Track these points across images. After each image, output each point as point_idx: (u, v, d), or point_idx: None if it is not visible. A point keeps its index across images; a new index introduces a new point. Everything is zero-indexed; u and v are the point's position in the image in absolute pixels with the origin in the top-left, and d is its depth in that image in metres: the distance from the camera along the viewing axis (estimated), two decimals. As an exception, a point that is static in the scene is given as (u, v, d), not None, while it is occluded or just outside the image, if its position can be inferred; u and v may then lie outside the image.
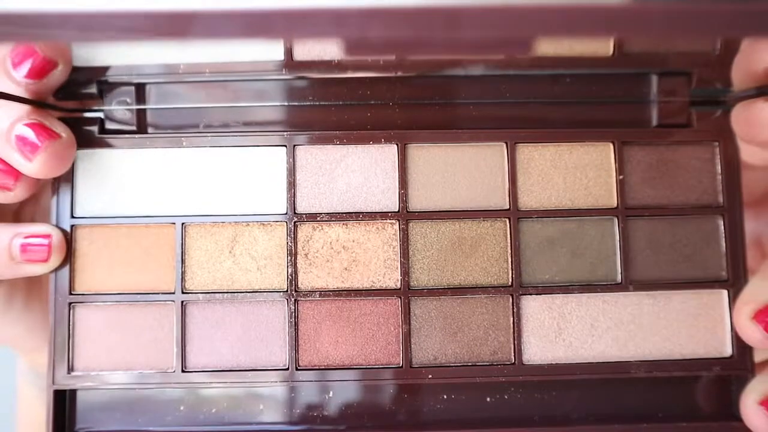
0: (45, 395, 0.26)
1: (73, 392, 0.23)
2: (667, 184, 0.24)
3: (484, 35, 0.11)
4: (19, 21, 0.11)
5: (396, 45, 0.12)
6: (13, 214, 0.25)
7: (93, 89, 0.23)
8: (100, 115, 0.24)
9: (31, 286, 0.24)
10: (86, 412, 0.24)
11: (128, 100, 0.23)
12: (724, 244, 0.24)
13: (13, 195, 0.22)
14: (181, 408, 0.24)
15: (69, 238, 0.23)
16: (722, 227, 0.24)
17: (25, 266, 0.22)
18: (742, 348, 0.23)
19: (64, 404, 0.23)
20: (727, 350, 0.24)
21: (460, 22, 0.11)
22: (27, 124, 0.21)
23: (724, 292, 0.24)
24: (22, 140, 0.21)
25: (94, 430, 0.23)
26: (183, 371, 0.23)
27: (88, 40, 0.13)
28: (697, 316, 0.24)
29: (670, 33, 0.12)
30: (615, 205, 0.24)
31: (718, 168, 0.24)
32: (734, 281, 0.23)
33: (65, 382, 0.23)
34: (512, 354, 0.23)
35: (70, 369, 0.23)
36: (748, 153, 0.23)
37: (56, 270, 0.23)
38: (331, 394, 0.24)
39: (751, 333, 0.21)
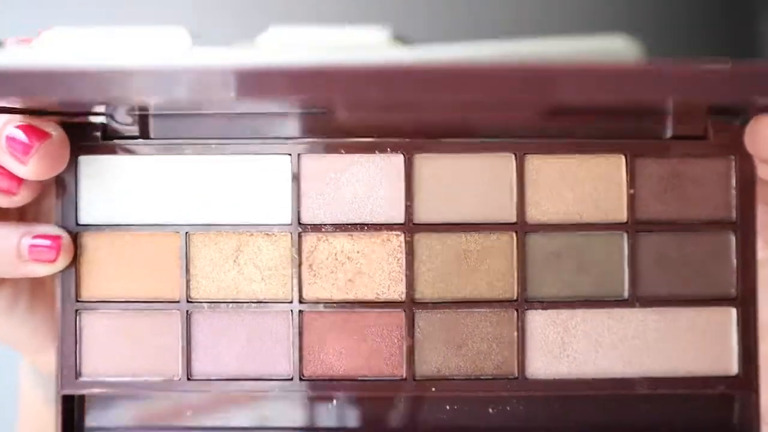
0: (48, 396, 0.26)
1: (81, 397, 0.24)
2: (679, 198, 0.24)
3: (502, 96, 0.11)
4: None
5: (394, 106, 0.11)
6: (18, 214, 0.25)
7: (96, 96, 0.23)
8: (103, 120, 0.23)
9: (36, 288, 0.25)
10: (94, 415, 0.24)
11: (132, 105, 0.23)
12: (735, 261, 0.24)
13: (18, 199, 0.22)
14: (188, 413, 0.24)
15: (75, 245, 0.23)
16: (734, 244, 0.24)
17: (32, 266, 0.22)
18: (747, 367, 0.23)
19: (72, 409, 0.24)
20: (733, 369, 0.23)
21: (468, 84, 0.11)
22: (17, 126, 0.21)
23: (733, 310, 0.23)
24: (13, 142, 0.20)
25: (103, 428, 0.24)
26: (188, 379, 0.23)
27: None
28: (704, 334, 0.24)
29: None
30: (625, 219, 0.24)
31: (733, 182, 0.24)
32: (743, 299, 0.23)
33: (73, 388, 0.23)
34: (516, 368, 0.23)
35: (78, 375, 0.23)
36: (763, 169, 0.23)
37: (61, 273, 0.23)
38: (334, 404, 0.24)
39: None
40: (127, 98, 0.12)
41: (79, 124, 0.23)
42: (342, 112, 0.12)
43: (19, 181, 0.21)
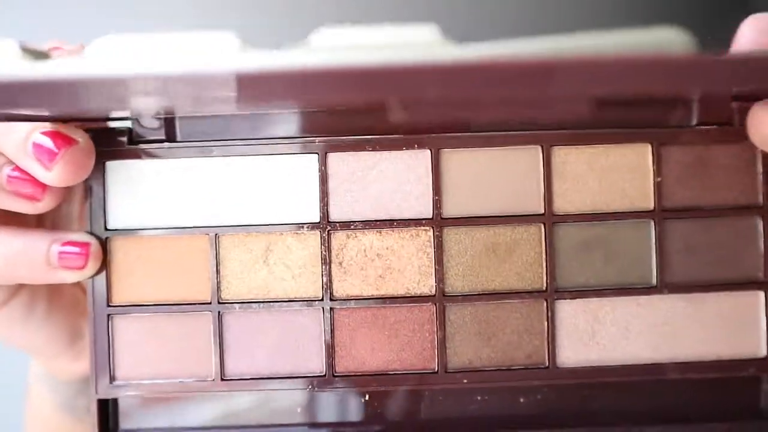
0: (59, 401, 0.27)
1: (115, 401, 0.24)
2: (705, 184, 0.24)
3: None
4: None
5: (451, 104, 0.11)
6: (36, 220, 0.25)
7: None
8: (129, 125, 0.23)
9: (52, 294, 0.25)
10: (129, 417, 0.24)
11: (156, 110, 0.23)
12: (761, 245, 0.24)
13: (42, 205, 0.22)
14: (221, 413, 0.24)
15: (104, 250, 0.23)
16: (761, 228, 0.24)
17: (62, 273, 0.22)
18: (776, 349, 0.23)
19: (107, 413, 0.24)
20: (762, 351, 0.24)
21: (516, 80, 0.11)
22: (43, 132, 0.20)
23: (761, 294, 0.24)
24: (39, 148, 0.20)
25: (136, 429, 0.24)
26: (222, 379, 0.23)
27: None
28: (732, 318, 0.24)
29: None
30: (652, 207, 0.24)
31: (759, 167, 0.24)
32: (776, 281, 0.23)
33: (108, 392, 0.23)
34: (546, 357, 0.24)
35: (112, 379, 0.23)
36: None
37: (92, 279, 0.23)
38: (367, 398, 0.24)
39: None
40: (184, 105, 0.12)
41: (105, 130, 0.23)
42: (398, 111, 0.12)
43: (44, 187, 0.21)
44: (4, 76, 0.11)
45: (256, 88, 0.11)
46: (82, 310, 0.27)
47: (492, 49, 0.12)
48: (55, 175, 0.21)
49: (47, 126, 0.21)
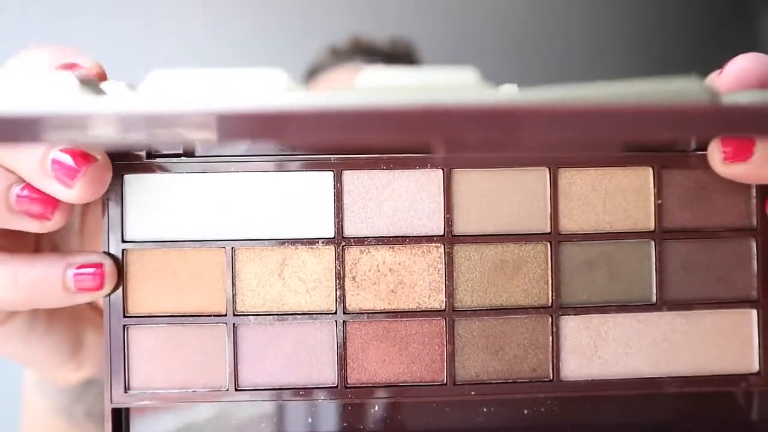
0: (54, 405, 0.27)
1: (128, 410, 0.24)
2: (704, 207, 0.25)
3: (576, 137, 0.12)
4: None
5: (492, 145, 0.12)
6: (36, 237, 0.25)
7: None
8: (148, 139, 0.24)
9: (53, 309, 0.25)
10: (141, 426, 0.24)
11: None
12: (755, 266, 0.25)
13: (51, 224, 0.22)
14: (233, 422, 0.25)
15: (121, 263, 0.24)
16: (755, 249, 0.25)
17: (80, 296, 0.23)
18: (768, 365, 0.25)
19: (120, 421, 0.24)
20: (755, 367, 0.25)
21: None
22: (63, 150, 0.21)
23: (754, 312, 0.25)
24: (59, 166, 0.20)
25: (144, 438, 0.24)
26: (236, 390, 0.24)
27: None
28: (727, 335, 0.25)
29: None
30: (652, 228, 0.25)
31: (753, 192, 0.25)
32: (764, 301, 0.25)
33: (122, 401, 0.24)
34: (551, 371, 0.25)
35: (127, 388, 0.24)
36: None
37: (109, 294, 0.23)
38: (377, 408, 0.25)
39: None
40: (234, 141, 0.13)
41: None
42: (441, 150, 0.12)
43: (55, 205, 0.22)
44: (69, 110, 0.11)
45: (301, 128, 0.12)
46: (83, 319, 0.27)
47: (530, 93, 0.13)
48: (76, 192, 0.21)
49: (66, 143, 0.21)
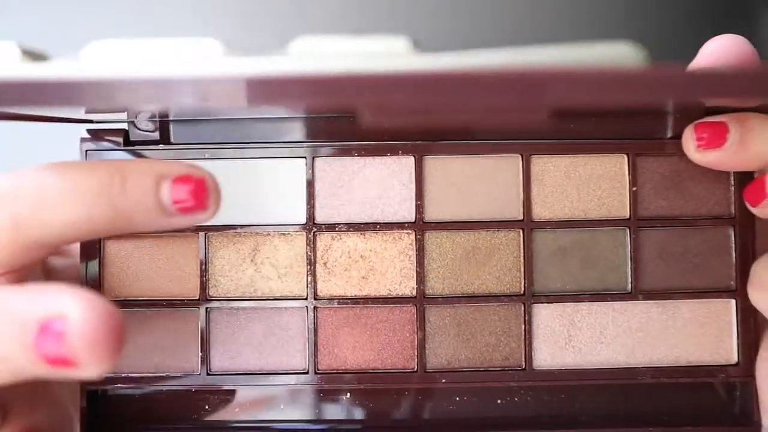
0: None
1: (104, 391, 0.25)
2: (680, 194, 0.25)
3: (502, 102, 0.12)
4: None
5: (416, 111, 0.12)
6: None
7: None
8: (125, 126, 0.24)
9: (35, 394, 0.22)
10: (116, 409, 0.25)
11: (152, 111, 0.24)
12: (734, 255, 0.24)
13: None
14: (207, 407, 0.25)
15: (99, 247, 0.24)
16: (733, 238, 0.24)
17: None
18: (747, 355, 0.24)
19: (94, 403, 0.24)
20: (733, 358, 0.24)
21: (479, 88, 0.12)
22: (175, 185, 0.18)
23: (732, 301, 0.24)
24: (182, 204, 0.18)
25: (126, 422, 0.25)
26: (208, 374, 0.24)
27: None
28: (705, 325, 0.24)
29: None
30: (627, 216, 0.24)
31: (732, 180, 0.24)
32: (742, 291, 0.24)
33: (98, 384, 0.24)
34: (523, 360, 0.24)
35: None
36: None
37: (85, 275, 0.24)
38: (348, 396, 0.25)
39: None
40: (164, 105, 0.13)
41: (101, 131, 0.24)
42: (367, 117, 0.13)
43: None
44: (6, 77, 0.12)
45: (231, 91, 0.12)
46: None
47: (457, 59, 0.13)
48: (212, 210, 0.19)
49: (166, 175, 0.18)
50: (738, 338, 0.24)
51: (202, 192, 0.18)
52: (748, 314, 0.24)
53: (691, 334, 0.24)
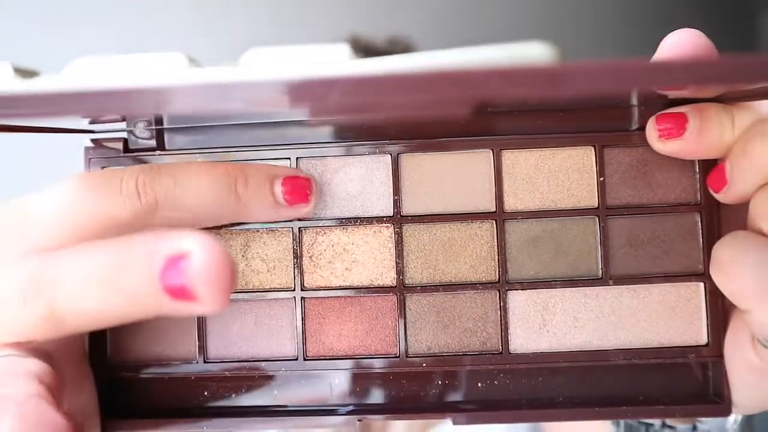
0: None
1: (110, 379, 0.27)
2: (647, 183, 0.26)
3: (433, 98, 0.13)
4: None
5: (352, 109, 0.14)
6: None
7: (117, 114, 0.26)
8: (124, 135, 0.26)
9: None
10: (121, 396, 0.27)
11: (148, 119, 0.26)
12: (701, 240, 0.25)
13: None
14: (205, 393, 0.27)
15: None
16: (700, 223, 0.25)
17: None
18: (716, 336, 0.25)
19: (101, 391, 0.26)
20: (703, 339, 0.25)
21: (412, 86, 0.13)
22: (285, 183, 0.24)
23: (701, 285, 0.25)
24: (294, 189, 0.24)
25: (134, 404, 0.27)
26: (205, 362, 0.26)
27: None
28: (675, 308, 0.26)
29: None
30: (596, 205, 0.26)
31: (696, 168, 0.25)
32: (710, 274, 0.25)
33: (102, 370, 0.26)
34: (500, 344, 0.26)
35: (107, 359, 0.26)
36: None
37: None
38: (336, 381, 0.26)
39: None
40: (138, 113, 0.15)
41: (103, 140, 0.26)
42: (313, 116, 0.14)
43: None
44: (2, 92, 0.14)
45: (200, 97, 0.14)
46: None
47: (387, 62, 0.15)
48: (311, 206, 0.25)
49: (276, 176, 0.24)
50: (707, 320, 0.25)
51: (307, 189, 0.24)
52: (716, 296, 0.25)
53: (661, 316, 0.26)
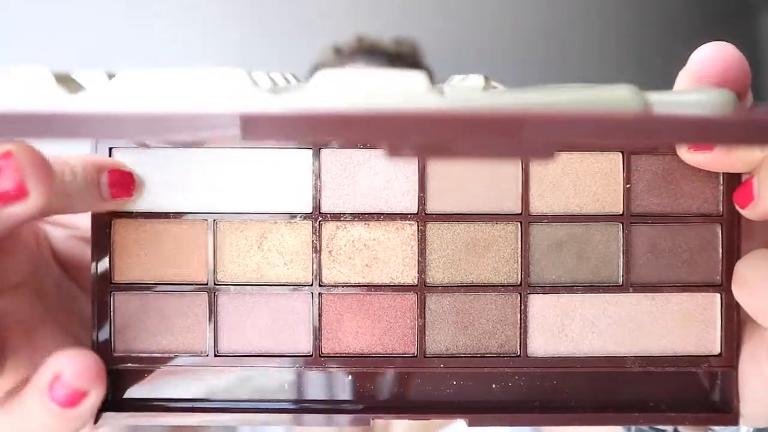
0: None
1: (114, 370, 0.26)
2: (671, 192, 0.26)
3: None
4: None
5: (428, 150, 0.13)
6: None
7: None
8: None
9: None
10: (126, 389, 0.26)
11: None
12: (720, 251, 0.26)
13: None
14: (214, 387, 0.26)
15: (110, 232, 0.25)
16: (720, 235, 0.26)
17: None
18: (729, 346, 0.25)
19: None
20: (716, 348, 0.26)
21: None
22: (111, 175, 0.24)
23: (717, 296, 0.26)
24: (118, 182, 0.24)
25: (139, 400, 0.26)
26: (216, 356, 0.25)
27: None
28: (691, 317, 0.26)
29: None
30: (621, 212, 0.25)
31: (720, 179, 0.26)
32: (727, 286, 0.25)
33: (109, 363, 0.25)
34: (518, 347, 0.25)
35: (112, 351, 0.25)
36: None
37: (96, 258, 0.25)
38: (350, 378, 0.26)
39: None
40: (202, 139, 0.14)
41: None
42: (387, 152, 0.13)
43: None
44: (43, 108, 0.12)
45: (258, 129, 0.13)
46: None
47: (470, 99, 0.14)
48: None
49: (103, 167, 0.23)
50: (722, 330, 0.25)
51: (130, 180, 0.25)
52: (731, 308, 0.25)
53: (678, 325, 0.26)
